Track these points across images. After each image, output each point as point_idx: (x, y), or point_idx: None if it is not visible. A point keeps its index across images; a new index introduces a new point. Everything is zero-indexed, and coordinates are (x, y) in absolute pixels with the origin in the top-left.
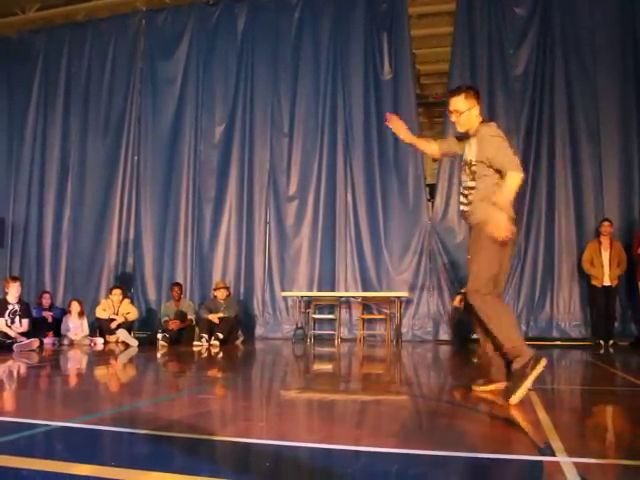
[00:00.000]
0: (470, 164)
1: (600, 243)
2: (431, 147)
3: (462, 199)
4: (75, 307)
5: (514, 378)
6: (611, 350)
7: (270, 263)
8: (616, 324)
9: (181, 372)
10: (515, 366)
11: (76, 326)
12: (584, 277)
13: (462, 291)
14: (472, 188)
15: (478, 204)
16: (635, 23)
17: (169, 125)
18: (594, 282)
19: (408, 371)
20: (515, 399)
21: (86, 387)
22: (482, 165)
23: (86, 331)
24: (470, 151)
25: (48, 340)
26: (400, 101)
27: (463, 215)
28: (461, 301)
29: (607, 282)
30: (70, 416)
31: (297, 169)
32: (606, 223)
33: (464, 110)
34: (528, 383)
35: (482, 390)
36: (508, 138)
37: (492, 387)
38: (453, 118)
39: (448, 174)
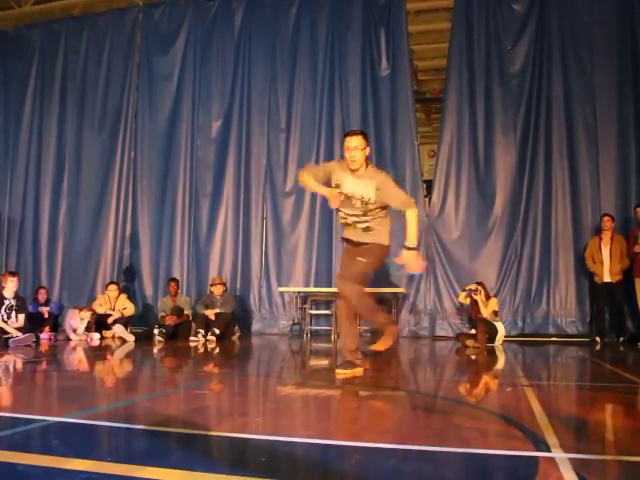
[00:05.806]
0: (367, 202)
1: (600, 239)
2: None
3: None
4: (85, 315)
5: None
6: (621, 348)
7: (267, 259)
8: (629, 322)
9: (178, 367)
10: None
11: (76, 327)
12: (581, 273)
13: (467, 288)
14: (364, 222)
15: (366, 234)
16: (633, 20)
17: (166, 120)
18: (595, 279)
19: (404, 367)
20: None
21: (82, 382)
22: (377, 205)
23: (81, 329)
24: (363, 190)
25: (44, 335)
26: (397, 97)
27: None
28: (467, 297)
29: (607, 278)
30: (66, 411)
31: (294, 164)
32: (606, 218)
33: (363, 147)
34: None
35: (343, 373)
36: (505, 134)
37: (351, 371)
38: (351, 154)
39: (445, 170)
